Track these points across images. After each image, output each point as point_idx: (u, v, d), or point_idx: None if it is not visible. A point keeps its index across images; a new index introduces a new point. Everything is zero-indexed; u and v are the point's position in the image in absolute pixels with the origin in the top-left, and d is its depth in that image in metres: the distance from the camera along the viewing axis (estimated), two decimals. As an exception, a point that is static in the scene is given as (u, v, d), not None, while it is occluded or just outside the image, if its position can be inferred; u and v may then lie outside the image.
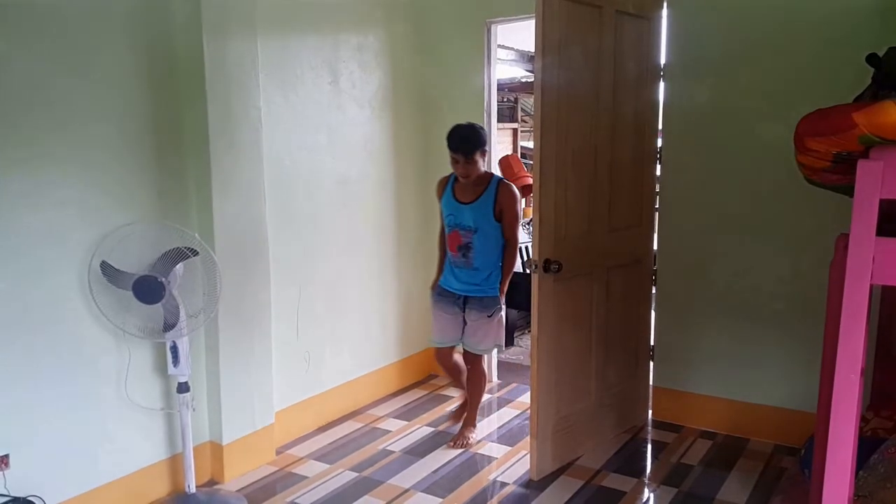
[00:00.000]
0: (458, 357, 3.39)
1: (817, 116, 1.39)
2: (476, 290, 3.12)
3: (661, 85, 3.35)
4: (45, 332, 2.37)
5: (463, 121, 3.98)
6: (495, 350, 4.26)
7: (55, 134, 2.36)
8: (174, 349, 2.57)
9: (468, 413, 3.36)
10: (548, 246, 2.83)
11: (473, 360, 3.26)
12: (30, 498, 2.34)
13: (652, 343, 3.54)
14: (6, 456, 2.29)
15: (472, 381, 3.31)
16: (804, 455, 2.42)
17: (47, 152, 2.34)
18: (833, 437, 1.32)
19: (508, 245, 3.10)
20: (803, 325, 3.13)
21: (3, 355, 2.27)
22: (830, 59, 2.96)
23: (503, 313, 3.25)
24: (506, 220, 3.05)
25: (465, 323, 3.20)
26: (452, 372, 3.41)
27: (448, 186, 3.14)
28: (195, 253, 2.46)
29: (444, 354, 3.34)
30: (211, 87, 2.72)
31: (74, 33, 2.39)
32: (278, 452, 3.18)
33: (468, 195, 3.07)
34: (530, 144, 7.11)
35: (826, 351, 1.60)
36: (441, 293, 3.22)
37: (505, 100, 6.56)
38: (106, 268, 2.41)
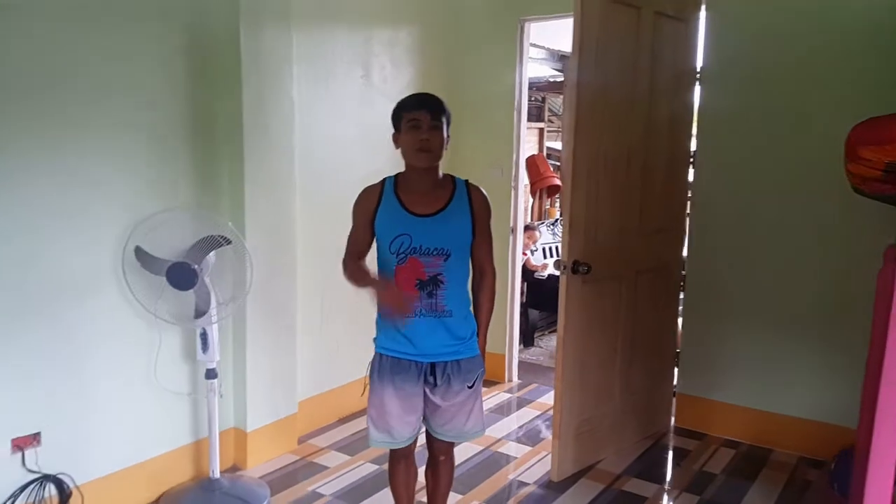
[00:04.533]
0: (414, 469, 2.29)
1: (870, 125, 1.36)
2: (453, 351, 2.03)
3: (697, 88, 3.32)
4: (78, 315, 2.41)
5: (493, 118, 4.00)
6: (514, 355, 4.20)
7: (92, 119, 2.39)
8: (204, 336, 2.60)
9: None
10: (577, 247, 2.81)
11: (447, 450, 2.22)
12: (59, 476, 2.38)
13: (677, 349, 3.51)
14: (38, 434, 2.33)
15: (443, 476, 2.25)
16: (834, 469, 2.39)
17: (84, 136, 2.37)
18: (875, 451, 1.30)
19: (485, 277, 2.11)
20: (832, 336, 3.09)
21: (36, 336, 2.31)
22: (874, 67, 2.91)
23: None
24: (483, 240, 2.07)
25: (426, 401, 2.09)
26: (409, 492, 2.28)
27: (387, 196, 2.02)
28: (228, 241, 2.48)
29: (406, 462, 2.22)
30: (246, 77, 2.74)
31: (114, 21, 2.42)
32: (300, 441, 3.21)
33: (429, 204, 1.99)
34: (556, 145, 7.07)
35: (870, 363, 1.57)
36: (395, 366, 2.04)
37: (532, 99, 6.53)
38: (140, 253, 2.44)
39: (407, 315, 1.97)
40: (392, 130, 2.02)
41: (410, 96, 2.03)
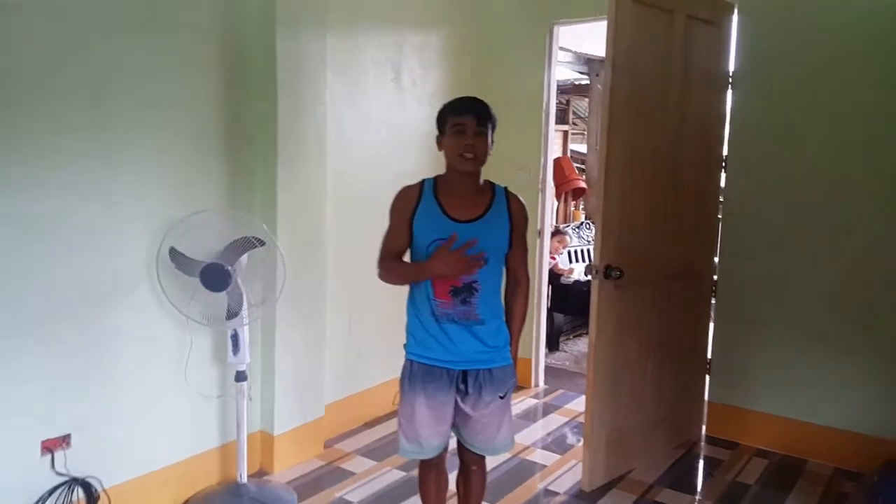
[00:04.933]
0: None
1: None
2: (486, 359, 1.99)
3: (729, 93, 3.27)
4: (110, 316, 2.40)
5: (520, 121, 3.94)
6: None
7: (128, 119, 2.39)
8: (235, 337, 2.58)
9: None
10: (609, 252, 2.77)
11: (479, 460, 2.17)
12: (87, 479, 2.37)
13: (709, 356, 3.45)
14: (68, 436, 2.33)
15: (474, 486, 2.20)
16: (879, 482, 2.33)
17: (121, 140, 2.37)
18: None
19: (519, 286, 2.08)
20: (867, 345, 3.04)
21: (66, 338, 2.29)
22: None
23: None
24: (518, 249, 2.04)
25: (456, 410, 2.03)
26: (440, 501, 2.22)
27: (426, 198, 1.97)
28: (262, 243, 2.47)
29: (437, 471, 2.16)
30: (281, 82, 2.74)
31: (152, 23, 2.43)
32: (326, 446, 3.18)
33: (469, 209, 1.95)
34: (579, 147, 7.03)
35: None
36: (426, 374, 1.99)
37: (556, 102, 6.49)
38: (175, 254, 2.43)
39: (472, 273, 1.90)
40: (436, 132, 2.00)
41: (457, 100, 1.98)
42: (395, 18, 3.43)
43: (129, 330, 2.46)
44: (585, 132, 6.58)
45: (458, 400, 2.01)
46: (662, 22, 2.89)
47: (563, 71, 5.72)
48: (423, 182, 2.01)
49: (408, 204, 1.98)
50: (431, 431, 2.01)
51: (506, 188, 2.05)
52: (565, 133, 6.48)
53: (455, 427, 2.08)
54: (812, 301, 3.16)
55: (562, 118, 6.53)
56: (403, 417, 2.03)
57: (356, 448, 3.19)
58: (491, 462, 2.98)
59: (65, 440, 2.31)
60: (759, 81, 3.22)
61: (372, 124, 3.35)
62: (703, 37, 3.09)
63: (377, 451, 3.16)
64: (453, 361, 1.97)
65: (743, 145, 3.29)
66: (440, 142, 1.98)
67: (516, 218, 2.00)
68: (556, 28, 3.80)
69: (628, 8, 2.71)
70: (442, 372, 1.98)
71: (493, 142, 1.96)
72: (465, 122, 1.90)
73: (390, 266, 2.01)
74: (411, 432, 2.02)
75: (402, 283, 2.05)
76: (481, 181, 2.01)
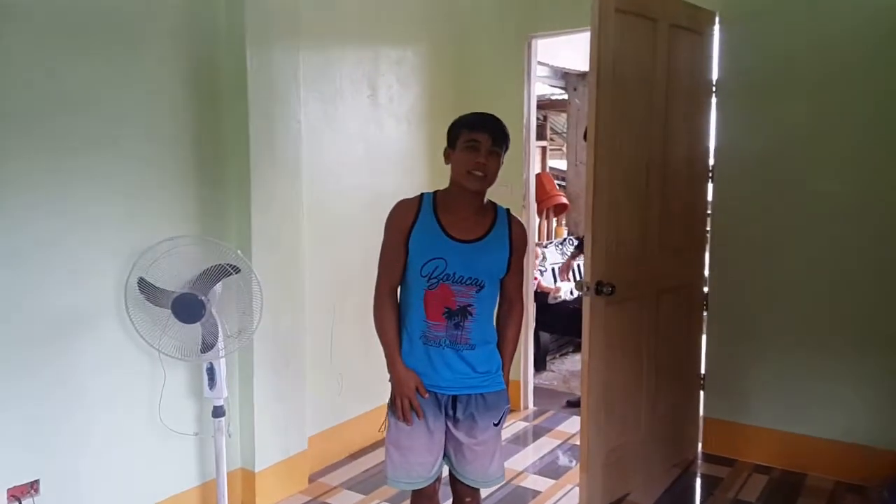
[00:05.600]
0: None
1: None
2: (476, 384, 1.91)
3: (714, 101, 3.23)
4: (77, 353, 2.26)
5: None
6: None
7: (93, 144, 2.26)
8: (211, 371, 2.43)
9: None
10: (600, 267, 2.69)
11: (474, 493, 2.04)
12: (57, 528, 2.21)
13: (703, 371, 3.38)
14: (36, 482, 2.17)
15: None
16: (889, 496, 2.26)
17: (84, 163, 2.25)
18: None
19: (514, 309, 2.01)
20: (866, 354, 2.98)
21: (33, 377, 2.15)
22: (889, 81, 2.85)
23: None
24: (516, 274, 1.96)
25: (448, 438, 1.95)
26: None
27: (425, 214, 1.87)
28: (237, 270, 2.34)
29: (431, 503, 2.02)
30: (253, 100, 2.63)
31: (118, 44, 2.32)
32: (311, 480, 3.02)
33: (469, 230, 1.86)
34: (557, 164, 7.00)
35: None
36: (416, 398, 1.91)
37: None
38: (144, 285, 2.28)
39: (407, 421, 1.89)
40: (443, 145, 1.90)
41: (473, 115, 1.89)
42: (371, 35, 3.34)
43: (97, 367, 2.31)
44: (564, 147, 6.55)
45: (451, 426, 1.92)
46: (646, 31, 2.84)
47: (540, 86, 5.68)
48: (421, 196, 1.91)
49: (405, 219, 1.87)
50: (422, 460, 1.91)
51: (508, 210, 1.96)
52: (543, 149, 6.44)
53: (446, 457, 1.98)
54: (805, 311, 3.11)
55: (539, 134, 6.48)
56: (392, 446, 1.93)
57: (342, 481, 3.04)
58: (483, 490, 2.87)
59: (33, 486, 2.16)
60: (743, 90, 3.18)
61: (348, 142, 3.24)
62: (686, 45, 3.05)
63: (364, 484, 3.01)
64: (441, 386, 1.89)
65: (729, 155, 3.24)
66: (448, 155, 1.88)
67: (517, 243, 1.92)
68: (534, 41, 3.75)
69: (612, 18, 2.65)
70: (431, 396, 1.89)
71: (502, 163, 1.87)
72: (479, 138, 1.81)
73: (383, 315, 1.95)
74: (401, 461, 1.92)
75: (377, 333, 1.98)
76: (484, 201, 1.90)
